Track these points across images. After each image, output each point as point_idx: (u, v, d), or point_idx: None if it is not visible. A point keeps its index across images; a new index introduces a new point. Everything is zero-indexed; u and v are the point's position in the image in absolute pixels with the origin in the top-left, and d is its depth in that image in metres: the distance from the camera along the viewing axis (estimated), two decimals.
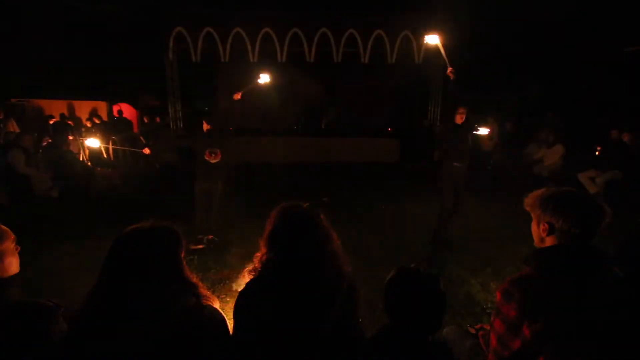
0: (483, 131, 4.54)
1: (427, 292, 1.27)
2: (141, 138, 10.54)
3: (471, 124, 4.11)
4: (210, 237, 4.30)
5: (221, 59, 9.59)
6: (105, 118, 11.32)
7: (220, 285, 3.31)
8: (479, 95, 10.63)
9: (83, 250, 4.09)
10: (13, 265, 1.41)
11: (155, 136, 10.37)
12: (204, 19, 9.47)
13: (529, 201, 1.40)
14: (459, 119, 4.03)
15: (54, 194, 6.19)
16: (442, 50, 4.01)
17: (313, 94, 12.25)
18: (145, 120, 10.89)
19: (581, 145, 7.85)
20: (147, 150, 4.32)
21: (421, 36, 9.56)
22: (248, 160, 10.04)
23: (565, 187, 1.37)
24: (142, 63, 11.45)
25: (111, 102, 12.04)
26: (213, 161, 4.13)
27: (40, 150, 6.85)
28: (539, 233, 1.36)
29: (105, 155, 9.28)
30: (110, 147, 9.86)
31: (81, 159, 7.53)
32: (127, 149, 3.93)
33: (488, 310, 2.90)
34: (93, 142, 4.04)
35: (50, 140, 7.47)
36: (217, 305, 1.33)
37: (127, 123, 10.86)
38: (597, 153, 6.97)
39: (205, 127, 4.26)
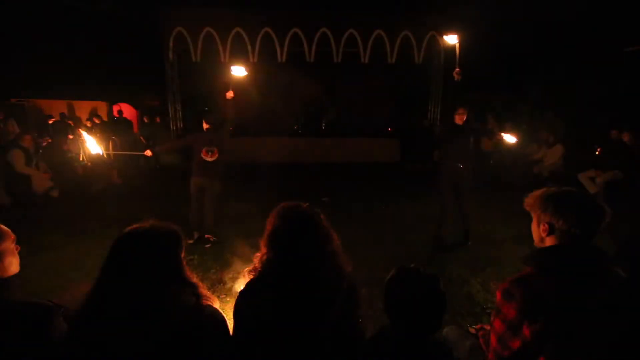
0: (510, 139, 4.40)
1: (427, 292, 1.27)
2: (141, 138, 10.55)
3: (472, 125, 4.09)
4: (208, 236, 4.32)
5: (221, 59, 9.60)
6: (105, 118, 11.32)
7: (220, 285, 3.31)
8: (479, 96, 10.65)
9: (83, 250, 4.10)
10: (13, 265, 1.40)
11: (156, 136, 10.38)
12: (204, 19, 9.47)
13: (529, 201, 1.40)
14: (459, 119, 4.02)
15: (54, 194, 6.19)
16: (457, 51, 3.97)
17: (313, 94, 12.25)
18: (145, 120, 10.89)
19: (581, 145, 7.85)
20: (148, 153, 4.32)
21: (422, 36, 9.62)
22: (248, 160, 10.04)
23: (565, 187, 1.37)
24: (142, 63, 11.45)
25: (111, 102, 12.04)
26: (210, 159, 4.15)
27: (40, 150, 6.85)
28: (539, 233, 1.36)
29: (105, 156, 9.28)
30: (111, 146, 9.87)
31: (81, 159, 7.54)
32: (128, 152, 3.92)
33: (488, 310, 2.90)
34: (94, 148, 4.00)
35: (50, 140, 7.48)
36: (217, 305, 1.32)
37: (127, 123, 10.86)
38: (597, 153, 6.97)
39: (205, 126, 4.29)
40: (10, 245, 1.40)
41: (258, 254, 1.45)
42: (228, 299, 3.01)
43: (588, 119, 9.07)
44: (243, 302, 1.36)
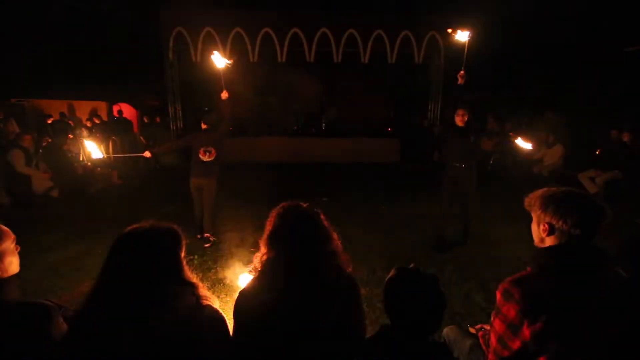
0: (525, 145, 4.28)
1: (426, 292, 1.27)
2: (141, 138, 10.55)
3: (472, 125, 4.08)
4: (207, 235, 4.33)
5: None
6: (105, 118, 11.32)
7: (220, 285, 3.31)
8: (479, 96, 10.65)
9: (83, 250, 4.10)
10: (13, 265, 1.41)
11: (156, 136, 10.39)
12: (204, 19, 9.47)
13: (529, 201, 1.40)
14: (459, 121, 4.01)
15: (54, 194, 6.19)
16: (465, 50, 3.83)
17: (313, 94, 12.25)
18: (145, 120, 10.89)
19: (581, 145, 7.85)
20: (147, 154, 4.32)
21: (422, 36, 9.60)
22: (248, 160, 10.05)
23: (565, 187, 1.37)
24: (142, 63, 11.46)
25: (111, 102, 12.05)
26: (207, 159, 4.16)
27: (40, 150, 6.85)
28: (539, 233, 1.36)
29: (105, 157, 9.29)
30: (111, 147, 9.87)
31: (81, 159, 7.54)
32: (127, 155, 3.93)
33: (488, 310, 2.89)
34: (95, 152, 3.97)
35: (50, 140, 7.48)
36: (217, 305, 1.32)
37: (127, 123, 10.86)
38: (597, 153, 6.97)
39: (203, 126, 4.31)
40: (10, 245, 1.40)
41: (258, 254, 1.45)
42: (228, 299, 3.01)
43: (588, 119, 9.07)
44: (243, 302, 1.36)
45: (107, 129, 10.25)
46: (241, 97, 11.14)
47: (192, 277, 1.31)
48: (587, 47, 9.49)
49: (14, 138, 6.46)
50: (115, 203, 6.06)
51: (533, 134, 7.65)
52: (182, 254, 1.30)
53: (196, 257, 3.91)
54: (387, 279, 1.36)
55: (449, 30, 3.73)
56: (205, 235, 4.33)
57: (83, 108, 11.42)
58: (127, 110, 11.90)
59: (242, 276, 2.46)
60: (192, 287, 1.27)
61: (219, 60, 4.18)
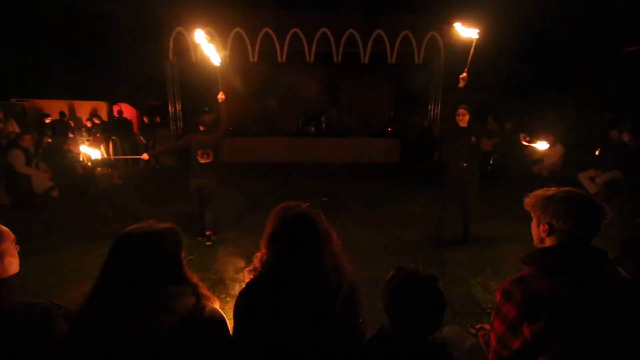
0: (542, 146, 4.10)
1: (426, 292, 1.27)
2: (141, 138, 10.56)
3: (473, 125, 4.08)
4: (209, 233, 4.35)
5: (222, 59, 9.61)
6: (105, 118, 11.32)
7: (220, 285, 3.31)
8: (479, 96, 10.63)
9: (83, 250, 4.10)
10: (13, 265, 1.41)
11: (156, 136, 10.39)
12: (204, 19, 9.45)
13: (529, 201, 1.40)
14: (460, 121, 4.01)
15: (54, 194, 6.20)
16: (471, 50, 3.62)
17: (313, 94, 12.25)
18: (145, 120, 10.89)
19: (581, 145, 7.85)
20: (145, 156, 4.33)
21: (422, 36, 9.59)
22: (248, 160, 10.05)
23: (565, 187, 1.37)
24: (142, 63, 11.46)
25: (111, 102, 12.05)
26: (205, 161, 4.17)
27: (40, 150, 6.85)
28: (539, 233, 1.36)
29: (105, 156, 9.29)
30: (111, 147, 9.87)
31: (81, 159, 7.54)
32: (127, 157, 3.93)
33: (488, 310, 2.90)
34: (94, 153, 3.95)
35: (50, 140, 7.49)
36: (217, 305, 1.32)
37: (127, 123, 10.87)
38: (597, 153, 6.97)
39: (200, 127, 4.32)
40: (10, 245, 1.40)
41: (258, 254, 1.45)
42: (228, 299, 3.01)
43: (588, 119, 9.08)
44: (243, 302, 1.36)
45: (107, 129, 10.26)
46: (241, 98, 11.17)
47: (192, 277, 1.31)
48: (587, 47, 9.49)
49: (14, 138, 6.46)
50: (115, 203, 6.06)
51: (533, 134, 7.64)
52: (182, 254, 1.30)
53: (196, 257, 3.91)
54: (387, 279, 1.36)
55: (455, 25, 3.48)
56: (207, 233, 4.34)
57: (83, 108, 11.42)
58: (127, 110, 11.90)
59: (242, 276, 2.47)
60: (192, 287, 1.27)
61: (214, 56, 4.14)
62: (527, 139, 4.05)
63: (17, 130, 8.16)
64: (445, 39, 9.54)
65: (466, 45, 3.64)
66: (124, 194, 6.71)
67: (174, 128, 10.39)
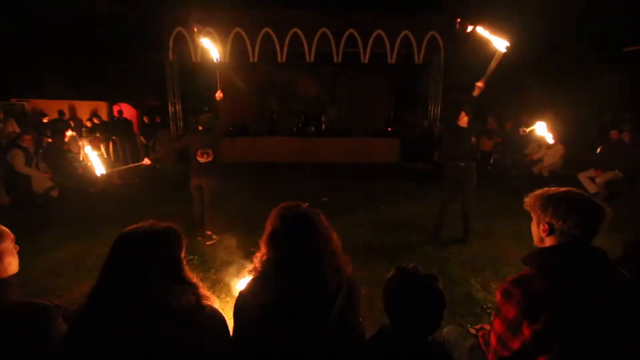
0: (539, 127, 3.72)
1: (426, 291, 1.27)
2: (141, 138, 10.56)
3: (473, 125, 4.09)
4: (209, 233, 4.35)
5: (221, 59, 9.60)
6: (105, 118, 11.33)
7: (220, 285, 3.31)
8: (479, 96, 10.60)
9: (83, 250, 4.10)
10: (12, 265, 1.41)
11: (156, 136, 10.39)
12: (204, 19, 9.46)
13: (529, 201, 1.40)
14: (459, 120, 4.02)
15: (54, 194, 6.19)
16: (495, 62, 3.41)
17: (313, 94, 12.26)
18: (145, 120, 10.90)
19: (581, 145, 7.85)
20: (147, 161, 4.33)
21: (422, 36, 9.59)
22: (248, 160, 10.05)
23: (565, 187, 1.37)
24: (142, 63, 11.45)
25: (111, 102, 12.05)
26: (205, 161, 4.18)
27: (40, 150, 6.85)
28: (539, 233, 1.36)
29: (105, 156, 9.29)
30: (111, 147, 9.86)
31: (81, 159, 7.54)
32: (127, 167, 3.92)
33: (488, 310, 2.90)
34: (99, 168, 3.82)
35: (50, 140, 7.48)
36: (217, 305, 1.32)
37: (127, 123, 10.87)
38: (597, 152, 6.98)
39: (199, 127, 4.32)
40: (10, 245, 1.40)
41: (258, 254, 1.45)
42: (228, 299, 3.01)
43: (588, 119, 9.07)
44: (243, 302, 1.36)
45: (107, 129, 10.26)
46: (241, 98, 11.17)
47: (192, 277, 1.31)
48: (587, 47, 9.49)
49: (14, 138, 6.46)
50: (115, 203, 6.06)
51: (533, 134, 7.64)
52: (182, 254, 1.30)
53: (196, 257, 3.91)
54: (386, 278, 1.36)
55: (485, 32, 3.20)
56: (207, 232, 4.35)
57: (83, 108, 11.43)
58: (127, 110, 11.91)
59: (242, 276, 2.47)
60: (192, 287, 1.27)
61: (212, 49, 4.10)
62: (525, 130, 3.98)
63: (17, 130, 8.15)
64: (445, 39, 9.55)
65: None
66: (124, 194, 6.71)
67: (174, 128, 10.39)
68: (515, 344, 1.24)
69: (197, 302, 1.23)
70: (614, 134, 6.66)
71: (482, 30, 3.23)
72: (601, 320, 1.18)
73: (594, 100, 9.49)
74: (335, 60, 9.73)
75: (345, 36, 9.55)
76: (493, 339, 1.32)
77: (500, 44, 3.18)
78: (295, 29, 9.45)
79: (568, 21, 9.48)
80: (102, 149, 9.57)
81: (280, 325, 1.28)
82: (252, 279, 1.41)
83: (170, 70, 10.08)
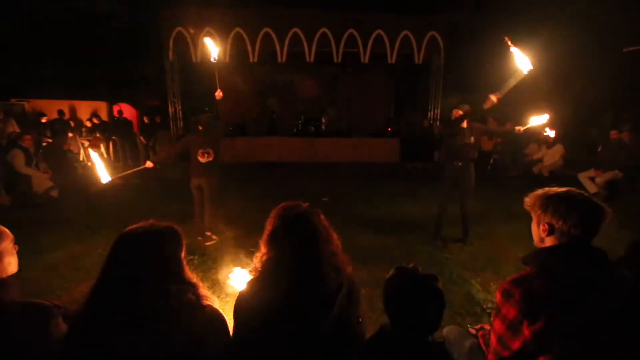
0: (536, 120, 3.69)
1: (425, 291, 1.27)
2: (141, 138, 10.56)
3: (472, 125, 4.09)
4: (209, 233, 4.35)
5: (221, 59, 9.60)
6: (105, 118, 11.32)
7: (220, 285, 3.31)
8: (479, 96, 10.60)
9: (83, 250, 4.10)
10: (12, 265, 1.41)
11: (156, 136, 10.38)
12: (204, 19, 9.47)
13: (529, 201, 1.40)
14: (461, 122, 4.02)
15: (54, 194, 6.19)
16: (514, 81, 3.40)
17: (313, 94, 12.25)
18: (145, 120, 10.90)
19: (581, 145, 7.86)
20: (149, 164, 4.32)
21: (422, 36, 9.59)
22: (248, 160, 10.05)
23: (565, 187, 1.37)
24: (142, 63, 11.46)
25: (111, 102, 12.05)
26: (205, 160, 4.17)
27: (40, 150, 6.85)
28: (539, 233, 1.36)
29: (105, 156, 9.30)
30: (111, 147, 9.86)
31: (81, 159, 7.55)
32: (128, 172, 3.93)
33: (488, 310, 2.89)
34: (104, 176, 3.73)
35: (50, 140, 7.49)
36: (217, 305, 1.32)
37: (127, 123, 10.87)
38: (598, 150, 6.98)
39: (199, 127, 4.32)
40: (9, 245, 1.40)
41: (258, 254, 1.45)
42: (228, 299, 3.01)
43: (588, 119, 9.08)
44: (243, 302, 1.36)
45: (107, 129, 10.26)
46: (241, 98, 11.17)
47: (192, 277, 1.31)
48: (586, 47, 9.49)
49: (14, 138, 6.46)
50: (115, 203, 6.06)
51: (533, 134, 7.65)
52: (182, 254, 1.30)
53: (196, 257, 3.91)
54: (386, 278, 1.36)
55: (513, 49, 3.13)
56: (207, 233, 4.35)
57: (83, 108, 11.43)
58: (127, 110, 11.91)
59: (241, 276, 2.47)
60: (192, 287, 1.27)
61: (212, 47, 4.08)
62: (521, 129, 3.97)
63: (17, 130, 8.16)
64: (445, 39, 9.55)
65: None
66: (124, 194, 6.70)
67: (174, 128, 10.40)
68: (515, 344, 1.24)
69: (197, 302, 1.23)
70: (614, 134, 6.67)
71: (515, 49, 3.17)
72: (601, 320, 1.18)
73: (594, 100, 9.49)
74: (335, 60, 9.74)
75: (345, 36, 9.55)
76: (493, 339, 1.32)
77: (524, 64, 3.09)
78: (295, 29, 9.45)
79: (568, 20, 9.48)
80: (102, 149, 9.58)
81: (280, 325, 1.28)
82: (252, 279, 1.41)
83: (170, 70, 10.08)
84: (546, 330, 1.17)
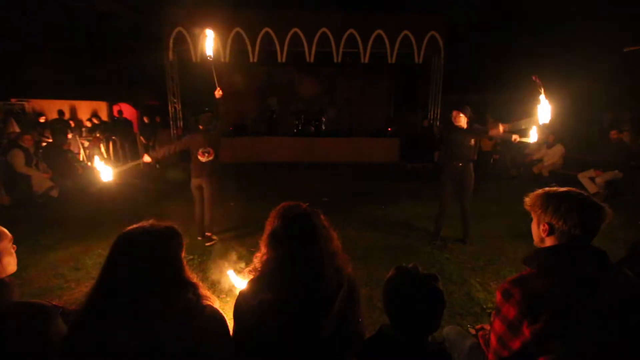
0: (532, 137, 3.66)
1: (425, 291, 1.27)
2: (141, 138, 10.56)
3: (472, 125, 4.09)
4: (209, 234, 4.35)
5: (221, 59, 9.60)
6: (105, 118, 11.32)
7: (220, 285, 3.31)
8: (479, 96, 10.63)
9: (83, 250, 4.10)
10: (11, 265, 1.41)
11: (156, 136, 10.38)
12: (204, 19, 9.46)
13: (529, 201, 1.40)
14: (461, 122, 4.02)
15: (54, 194, 6.19)
16: (531, 124, 3.41)
17: (313, 94, 12.26)
18: (145, 120, 10.90)
19: (581, 145, 7.86)
20: (147, 159, 4.31)
21: (422, 36, 9.58)
22: (248, 160, 10.05)
23: (565, 187, 1.37)
24: (142, 63, 11.46)
25: (111, 102, 12.05)
26: (205, 160, 4.18)
27: (40, 150, 6.85)
28: (539, 233, 1.36)
29: (105, 156, 9.30)
30: (111, 147, 9.86)
31: (81, 159, 7.54)
32: (127, 165, 3.90)
33: (488, 310, 2.89)
34: (106, 175, 3.68)
35: (50, 140, 7.49)
36: (217, 305, 1.32)
37: (127, 123, 10.87)
38: (598, 146, 6.98)
39: (200, 126, 4.32)
40: (8, 245, 1.41)
41: (258, 254, 1.45)
42: (228, 299, 3.01)
43: (588, 119, 9.08)
44: (243, 302, 1.36)
45: (107, 129, 10.26)
46: (241, 98, 11.18)
47: (192, 277, 1.31)
48: (586, 47, 9.50)
49: (14, 138, 6.46)
50: (115, 203, 6.06)
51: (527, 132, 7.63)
52: (182, 254, 1.30)
53: (196, 257, 3.91)
54: (387, 278, 1.36)
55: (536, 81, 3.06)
56: (207, 234, 4.35)
57: (83, 108, 11.43)
58: (127, 110, 11.91)
59: (241, 276, 2.47)
60: (192, 287, 1.26)
61: (209, 43, 4.05)
62: (517, 138, 3.97)
63: (17, 130, 8.15)
64: (445, 39, 9.55)
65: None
66: (124, 194, 6.71)
67: (174, 128, 10.40)
68: (515, 344, 1.24)
69: (197, 302, 1.23)
70: (614, 134, 6.68)
71: (543, 97, 3.12)
72: (601, 320, 1.18)
73: (594, 100, 9.49)
74: (335, 60, 9.74)
75: (345, 36, 9.55)
76: (493, 339, 1.32)
77: (544, 115, 3.05)
78: (295, 29, 9.45)
79: (568, 20, 9.49)
80: (102, 148, 9.57)
81: (280, 326, 1.28)
82: (252, 279, 1.41)
83: (170, 70, 10.08)
84: (546, 330, 1.17)
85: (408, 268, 1.34)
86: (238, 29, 9.39)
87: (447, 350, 1.39)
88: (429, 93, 10.65)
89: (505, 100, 10.90)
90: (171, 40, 9.59)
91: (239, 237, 4.49)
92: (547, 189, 1.39)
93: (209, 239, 4.33)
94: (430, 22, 9.64)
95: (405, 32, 9.56)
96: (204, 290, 1.30)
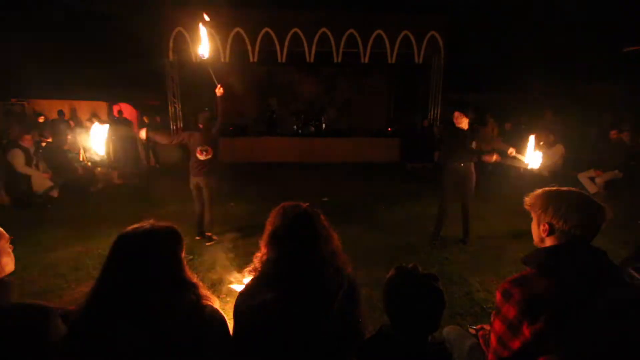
0: (530, 161, 3.62)
1: (425, 291, 1.27)
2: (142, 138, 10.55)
3: (472, 126, 4.09)
4: (209, 234, 4.36)
5: (221, 59, 9.60)
6: (105, 118, 11.31)
7: (220, 285, 3.31)
8: (479, 96, 10.62)
9: (83, 250, 4.10)
10: (9, 265, 1.41)
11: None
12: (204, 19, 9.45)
13: (529, 201, 1.40)
14: (462, 123, 4.02)
15: (54, 194, 6.19)
16: (519, 162, 3.68)
17: (313, 94, 12.26)
18: (145, 120, 10.89)
19: (581, 145, 7.85)
20: (143, 134, 4.31)
21: (422, 36, 9.58)
22: (248, 160, 10.05)
23: (565, 187, 1.37)
24: (142, 63, 11.44)
25: (111, 102, 12.04)
26: (204, 158, 4.18)
27: (40, 150, 6.85)
28: (539, 233, 1.35)
29: (105, 156, 9.28)
30: (111, 147, 9.85)
31: (81, 159, 7.54)
32: (127, 157, 3.91)
33: (488, 310, 2.90)
34: (100, 149, 3.77)
35: (50, 140, 7.48)
36: (217, 305, 1.32)
37: (127, 123, 10.86)
38: (597, 148, 6.98)
39: (199, 125, 4.34)
40: (5, 245, 1.41)
41: (258, 254, 1.45)
42: (228, 299, 3.01)
43: (588, 119, 9.07)
44: (243, 302, 1.36)
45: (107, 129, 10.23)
46: (241, 98, 11.16)
47: (192, 277, 1.31)
48: (586, 47, 9.49)
49: (14, 138, 6.45)
50: (115, 203, 6.06)
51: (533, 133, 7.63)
52: (182, 254, 1.30)
53: (196, 257, 3.91)
54: (387, 278, 1.36)
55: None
56: (207, 234, 4.36)
57: (83, 108, 11.43)
58: (127, 110, 11.89)
59: (242, 276, 2.47)
60: (192, 287, 1.26)
61: (204, 42, 4.05)
62: (513, 152, 3.96)
63: (17, 130, 8.14)
64: (445, 39, 9.55)
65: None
66: (124, 194, 6.71)
67: (174, 128, 10.39)
68: (515, 344, 1.24)
69: (197, 302, 1.23)
70: (614, 134, 6.67)
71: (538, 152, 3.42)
72: (601, 320, 1.18)
73: (594, 100, 9.49)
74: (335, 60, 9.73)
75: (345, 36, 9.55)
76: (493, 339, 1.32)
77: (534, 161, 3.41)
78: (295, 29, 9.45)
79: (568, 20, 9.49)
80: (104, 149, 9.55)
81: (280, 326, 1.28)
82: (252, 279, 1.41)
83: (170, 70, 10.08)
84: (546, 330, 1.17)
85: (408, 268, 1.34)
86: (238, 29, 9.39)
87: (447, 350, 1.39)
88: (429, 93, 10.64)
89: (505, 100, 10.90)
90: (171, 40, 9.58)
91: (239, 237, 4.49)
92: (547, 189, 1.38)
93: (209, 239, 4.34)
94: (430, 22, 9.64)
95: (405, 32, 9.56)
96: (204, 290, 1.30)
